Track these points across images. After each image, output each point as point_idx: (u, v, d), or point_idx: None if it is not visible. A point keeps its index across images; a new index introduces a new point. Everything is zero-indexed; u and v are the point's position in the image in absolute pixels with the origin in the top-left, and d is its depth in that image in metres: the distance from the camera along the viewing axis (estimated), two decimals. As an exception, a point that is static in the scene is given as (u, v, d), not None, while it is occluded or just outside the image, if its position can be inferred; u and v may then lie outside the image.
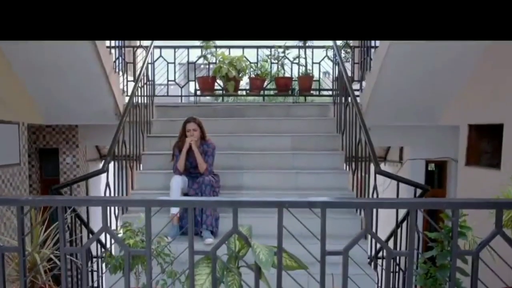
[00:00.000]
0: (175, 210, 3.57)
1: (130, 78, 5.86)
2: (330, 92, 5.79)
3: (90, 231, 3.88)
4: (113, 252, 3.02)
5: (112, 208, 3.53)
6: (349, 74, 5.29)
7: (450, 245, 2.00)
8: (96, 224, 3.77)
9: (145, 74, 5.15)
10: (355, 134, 4.14)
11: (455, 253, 1.88)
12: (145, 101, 5.03)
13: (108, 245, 3.58)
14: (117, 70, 5.13)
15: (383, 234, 3.65)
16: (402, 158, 6.14)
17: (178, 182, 3.56)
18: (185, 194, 3.75)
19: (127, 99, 4.73)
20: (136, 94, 4.73)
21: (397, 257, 3.44)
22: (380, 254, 3.79)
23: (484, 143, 4.36)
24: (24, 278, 1.95)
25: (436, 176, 6.07)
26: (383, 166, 6.38)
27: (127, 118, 4.46)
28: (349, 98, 4.33)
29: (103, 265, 2.14)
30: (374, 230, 3.55)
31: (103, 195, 3.37)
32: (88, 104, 4.82)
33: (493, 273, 1.93)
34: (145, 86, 5.11)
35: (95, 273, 3.74)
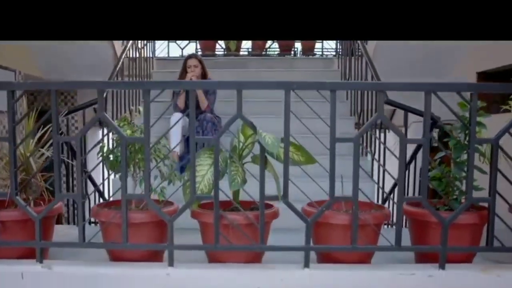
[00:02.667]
0: (175, 148, 3.45)
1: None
2: (334, 53, 5.67)
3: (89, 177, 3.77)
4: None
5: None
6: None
7: (467, 139, 1.89)
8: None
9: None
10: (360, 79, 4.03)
11: (473, 141, 1.78)
12: (145, 55, 4.91)
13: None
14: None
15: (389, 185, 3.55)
16: (407, 122, 6.00)
17: (178, 118, 3.44)
18: (186, 137, 3.64)
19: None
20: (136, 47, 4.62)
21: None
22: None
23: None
24: (14, 170, 1.84)
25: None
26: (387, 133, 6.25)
27: (126, 72, 4.36)
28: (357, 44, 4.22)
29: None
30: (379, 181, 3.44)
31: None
32: (87, 54, 4.68)
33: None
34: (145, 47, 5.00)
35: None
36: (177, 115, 3.40)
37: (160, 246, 1.87)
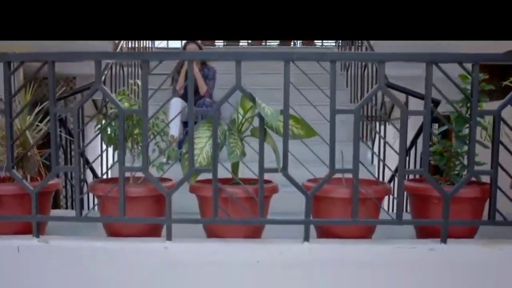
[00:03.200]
0: (174, 132, 3.44)
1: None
2: (334, 43, 5.66)
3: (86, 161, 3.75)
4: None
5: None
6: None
7: (468, 112, 1.87)
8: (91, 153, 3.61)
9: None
10: (360, 68, 4.01)
11: (475, 113, 1.75)
12: (145, 45, 4.90)
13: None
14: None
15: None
16: (407, 105, 5.99)
17: (177, 102, 3.43)
18: (184, 123, 3.63)
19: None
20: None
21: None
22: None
23: (494, 81, 4.22)
24: (11, 142, 1.82)
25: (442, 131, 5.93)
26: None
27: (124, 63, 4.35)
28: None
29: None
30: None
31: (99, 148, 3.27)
32: (86, 46, 4.66)
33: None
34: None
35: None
36: (176, 99, 3.38)
37: (158, 220, 1.85)
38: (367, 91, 3.95)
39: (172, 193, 1.78)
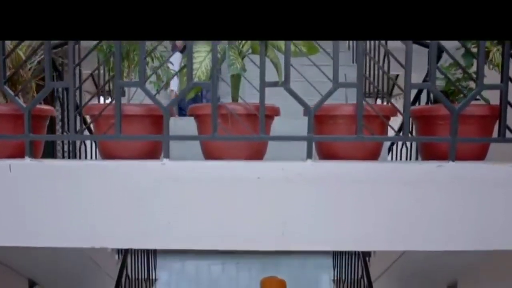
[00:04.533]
0: (174, 87, 3.38)
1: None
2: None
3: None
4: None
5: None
6: None
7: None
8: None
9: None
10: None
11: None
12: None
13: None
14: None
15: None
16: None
17: (177, 58, 3.38)
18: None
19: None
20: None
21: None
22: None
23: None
24: (3, 57, 1.76)
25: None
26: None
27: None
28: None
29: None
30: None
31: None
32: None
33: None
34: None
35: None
36: (176, 54, 3.32)
37: (154, 137, 1.79)
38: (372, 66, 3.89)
39: (169, 108, 1.72)
